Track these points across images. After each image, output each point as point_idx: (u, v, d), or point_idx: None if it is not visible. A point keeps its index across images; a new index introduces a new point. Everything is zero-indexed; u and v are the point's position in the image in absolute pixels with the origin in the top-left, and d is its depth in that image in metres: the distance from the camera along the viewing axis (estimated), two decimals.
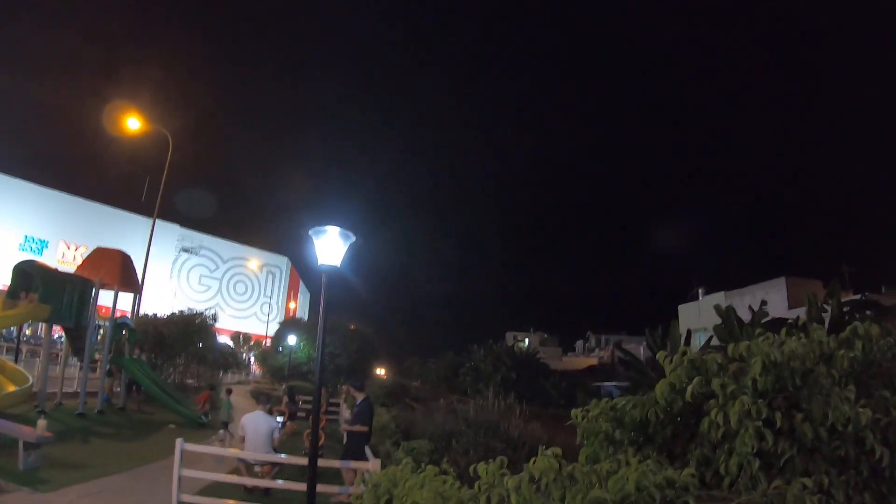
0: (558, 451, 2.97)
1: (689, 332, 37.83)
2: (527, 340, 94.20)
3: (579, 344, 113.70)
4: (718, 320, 32.82)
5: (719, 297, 45.03)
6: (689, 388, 3.31)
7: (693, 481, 2.65)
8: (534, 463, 2.88)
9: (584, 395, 46.70)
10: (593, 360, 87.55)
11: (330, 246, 6.51)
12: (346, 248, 6.65)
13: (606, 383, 52.07)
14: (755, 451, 2.93)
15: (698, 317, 48.09)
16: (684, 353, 3.62)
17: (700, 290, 54.37)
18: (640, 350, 50.85)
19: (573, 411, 3.78)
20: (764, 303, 31.16)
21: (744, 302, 34.27)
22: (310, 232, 6.59)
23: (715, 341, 33.51)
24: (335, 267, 6.55)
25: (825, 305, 25.19)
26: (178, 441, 8.66)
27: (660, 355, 3.74)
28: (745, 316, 26.17)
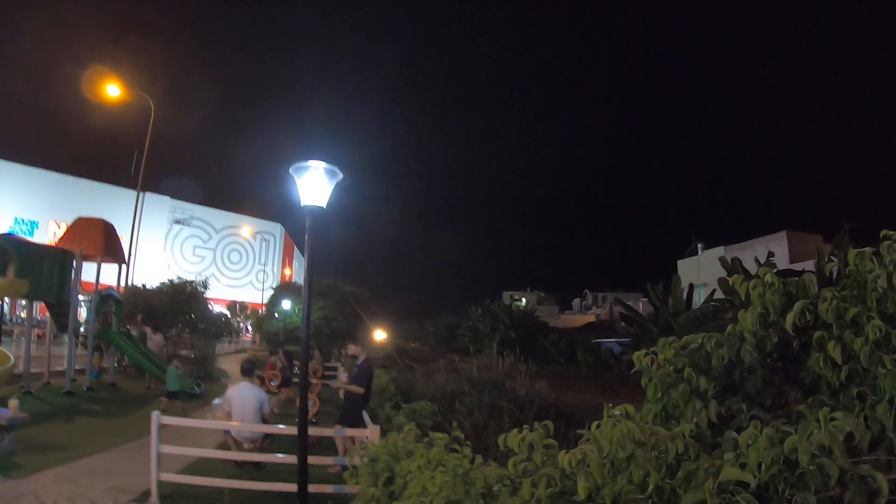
0: (631, 408, 2.18)
1: (691, 287, 37.48)
2: (524, 300, 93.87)
3: (576, 302, 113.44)
4: (718, 275, 32.42)
5: (719, 252, 44.59)
6: (791, 317, 2.46)
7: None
8: (598, 428, 2.04)
9: (584, 351, 46.70)
10: (591, 318, 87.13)
11: (315, 184, 5.60)
12: (333, 186, 5.76)
13: (607, 340, 51.75)
14: None
15: (697, 272, 47.70)
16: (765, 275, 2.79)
17: (699, 246, 53.84)
18: (640, 306, 50.45)
19: (635, 354, 2.89)
20: (771, 254, 30.74)
21: (745, 256, 33.81)
22: (290, 170, 5.68)
23: (718, 295, 33.17)
24: (321, 208, 5.66)
25: (832, 258, 24.59)
26: (155, 414, 7.84)
27: (735, 279, 2.89)
28: (750, 269, 25.62)
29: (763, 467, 1.77)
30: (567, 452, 2.02)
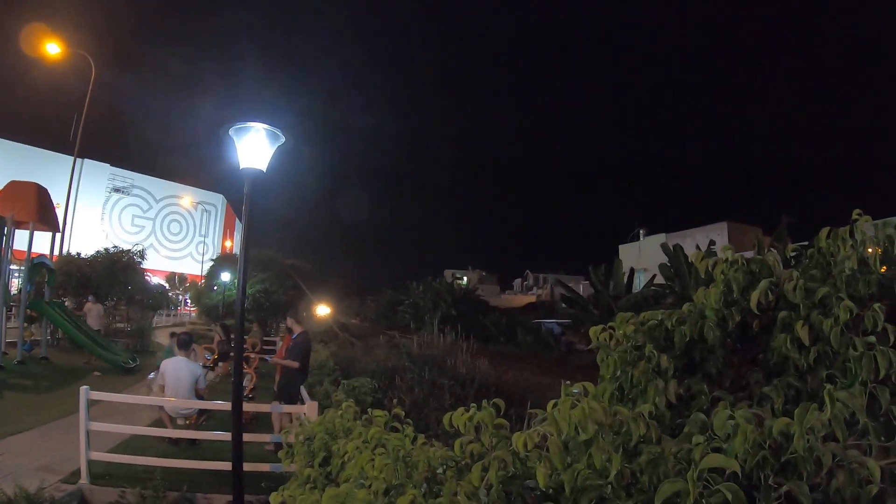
0: (591, 386, 2.03)
1: (632, 271, 38.02)
2: (465, 278, 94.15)
3: (517, 282, 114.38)
4: (658, 261, 32.96)
5: (660, 239, 45.30)
6: (756, 294, 2.35)
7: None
8: (555, 407, 1.88)
9: (525, 331, 47.10)
10: (532, 298, 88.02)
11: (255, 147, 5.30)
12: (274, 150, 5.48)
13: (547, 321, 52.29)
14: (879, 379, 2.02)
15: (638, 257, 48.38)
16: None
17: (641, 232, 54.69)
18: (581, 288, 51.09)
19: (592, 330, 2.74)
20: (712, 243, 31.27)
21: (686, 244, 34.37)
22: (230, 131, 5.36)
23: (659, 280, 33.70)
24: (260, 172, 5.38)
25: (772, 250, 25.26)
26: (83, 389, 7.47)
27: (695, 256, 2.76)
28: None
29: (744, 452, 1.65)
30: (522, 433, 1.86)
